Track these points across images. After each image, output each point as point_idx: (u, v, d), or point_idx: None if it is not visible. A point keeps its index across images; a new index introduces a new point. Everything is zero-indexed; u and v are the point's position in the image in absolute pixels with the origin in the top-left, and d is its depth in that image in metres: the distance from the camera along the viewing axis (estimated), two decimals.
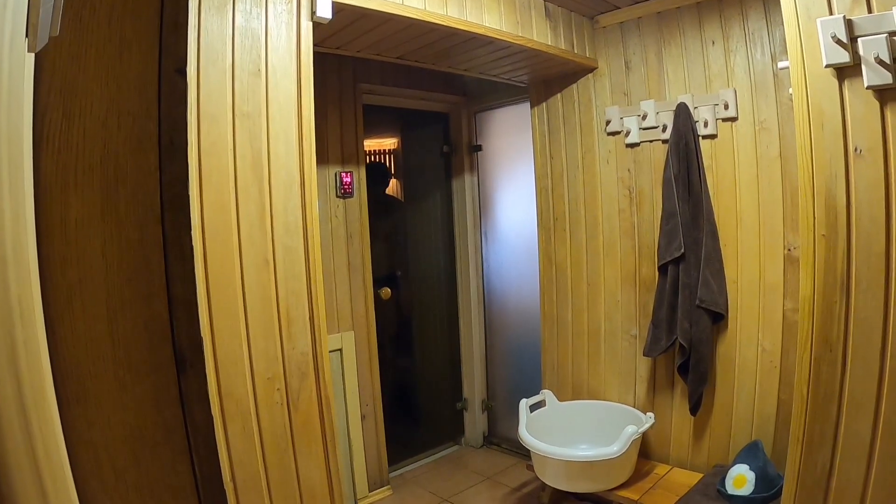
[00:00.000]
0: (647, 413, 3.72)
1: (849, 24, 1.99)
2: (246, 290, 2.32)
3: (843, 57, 2.00)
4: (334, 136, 4.19)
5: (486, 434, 5.47)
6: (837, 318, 2.14)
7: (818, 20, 2.06)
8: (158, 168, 1.11)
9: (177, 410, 1.15)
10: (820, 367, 2.20)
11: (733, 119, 3.44)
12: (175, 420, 1.15)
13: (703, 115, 3.52)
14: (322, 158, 4.06)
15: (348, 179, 4.21)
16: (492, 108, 5.19)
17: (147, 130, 1.10)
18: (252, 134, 2.34)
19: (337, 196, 4.21)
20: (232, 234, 2.28)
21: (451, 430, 5.51)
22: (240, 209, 2.30)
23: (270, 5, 2.41)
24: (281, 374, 2.43)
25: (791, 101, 3.11)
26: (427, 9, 2.96)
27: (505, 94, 4.89)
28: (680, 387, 3.73)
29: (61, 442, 0.99)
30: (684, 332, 3.45)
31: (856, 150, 2.04)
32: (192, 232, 2.12)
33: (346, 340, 4.27)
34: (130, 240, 1.09)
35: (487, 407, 5.45)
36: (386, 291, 4.67)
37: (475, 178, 5.31)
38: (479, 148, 5.28)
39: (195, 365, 1.15)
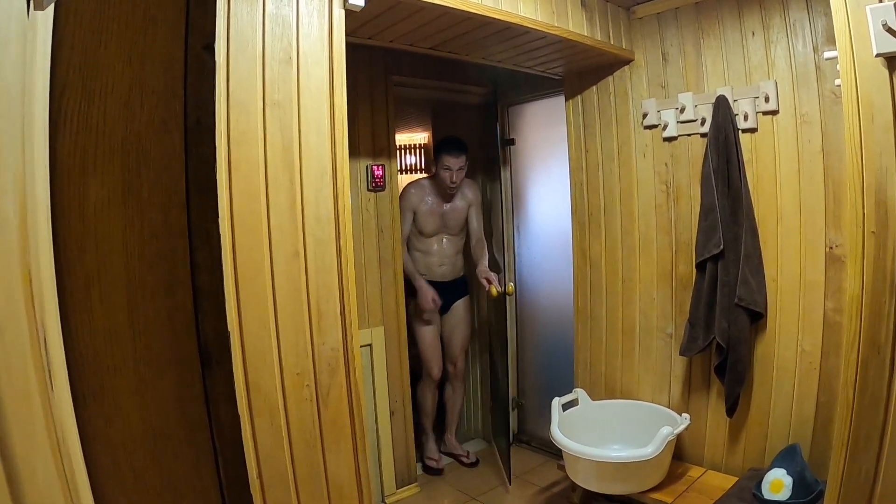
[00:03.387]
0: (683, 414, 3.64)
1: None
2: (276, 282, 2.27)
3: (894, 46, 1.92)
4: (365, 129, 4.15)
5: (516, 432, 5.42)
6: (886, 319, 2.05)
7: (867, 7, 1.97)
8: (184, 150, 1.05)
9: (201, 409, 1.10)
10: (867, 370, 2.11)
11: (774, 112, 3.35)
12: (199, 419, 1.09)
13: (742, 108, 3.43)
14: (353, 151, 3.99)
15: (379, 173, 4.17)
16: (524, 102, 5.13)
17: (172, 110, 1.04)
18: (283, 123, 2.29)
19: (368, 189, 4.17)
20: (261, 225, 2.23)
21: (481, 428, 5.48)
22: (269, 199, 2.25)
23: None
24: (310, 370, 2.38)
25: (835, 93, 3.05)
26: None
27: (538, 88, 4.83)
28: (716, 387, 3.65)
29: (76, 440, 0.94)
30: (722, 331, 3.36)
31: None
32: (220, 222, 2.09)
33: (377, 336, 4.23)
34: (153, 225, 1.04)
35: (518, 405, 5.39)
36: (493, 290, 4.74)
37: (508, 173, 5.24)
38: (511, 142, 5.22)
39: (221, 361, 1.10)
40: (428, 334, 4.88)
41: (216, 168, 1.07)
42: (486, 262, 4.87)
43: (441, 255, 4.89)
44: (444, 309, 4.91)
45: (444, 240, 4.90)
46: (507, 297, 5.17)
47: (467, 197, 4.96)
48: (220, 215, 2.09)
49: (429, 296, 4.68)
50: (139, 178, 1.02)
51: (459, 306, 5.02)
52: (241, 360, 2.16)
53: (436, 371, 4.91)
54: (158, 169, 1.03)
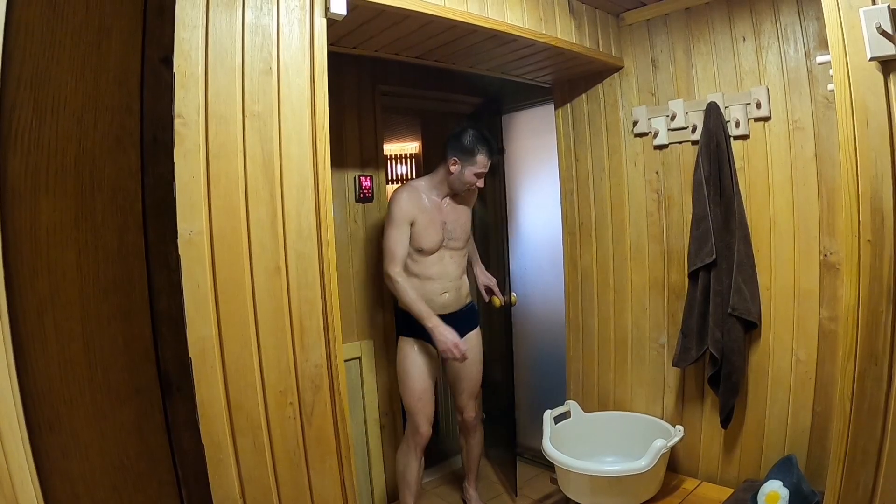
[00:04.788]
0: (676, 426, 3.60)
1: (894, 13, 1.88)
2: (257, 299, 2.23)
3: (889, 49, 1.89)
4: (353, 139, 4.10)
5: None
6: (884, 330, 2.02)
7: (861, 10, 1.95)
8: (140, 169, 1.00)
9: (163, 438, 1.05)
10: (864, 382, 2.08)
11: (766, 118, 3.32)
12: (161, 449, 1.05)
13: (734, 115, 3.40)
14: (340, 162, 3.99)
15: (367, 183, 4.12)
16: (515, 110, 5.08)
17: (127, 127, 0.99)
18: (263, 135, 2.25)
19: (356, 200, 4.12)
20: (242, 240, 2.19)
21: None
22: (250, 214, 2.21)
23: (282, 1, 2.32)
24: (294, 387, 2.34)
25: (828, 98, 3.02)
26: (447, 5, 2.86)
27: (528, 96, 4.78)
28: (710, 398, 3.62)
29: (33, 473, 0.90)
30: (715, 341, 3.32)
31: None
32: (200, 236, 2.06)
33: (366, 349, 4.18)
34: (108, 249, 0.99)
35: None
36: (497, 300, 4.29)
37: (498, 181, 5.19)
38: (502, 150, 5.16)
39: (182, 388, 1.05)
40: (417, 375, 3.81)
41: (174, 188, 1.01)
42: (482, 266, 4.32)
43: (444, 279, 3.81)
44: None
45: (447, 257, 3.83)
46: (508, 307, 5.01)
47: (468, 197, 4.05)
48: (199, 230, 2.07)
49: (449, 340, 3.57)
50: (93, 198, 0.97)
51: (468, 342, 3.89)
52: (221, 379, 2.12)
53: (425, 427, 3.80)
54: (113, 189, 0.99)
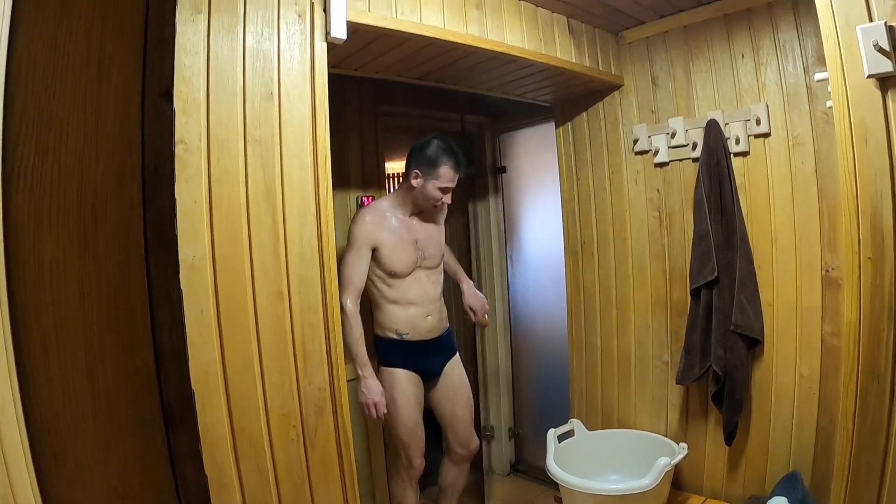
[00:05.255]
0: (680, 443, 3.59)
1: (891, 30, 1.88)
2: (259, 323, 2.23)
3: (887, 66, 1.89)
4: (355, 159, 4.11)
5: (513, 462, 5.36)
6: (885, 347, 2.03)
7: (858, 28, 1.95)
8: (142, 202, 1.01)
9: (166, 469, 1.05)
10: (867, 399, 2.08)
11: (766, 135, 3.33)
12: (164, 480, 1.05)
13: (734, 132, 3.41)
14: (343, 182, 3.99)
15: (370, 203, 4.11)
16: (516, 129, 5.11)
17: (129, 160, 1.00)
18: (265, 160, 2.26)
19: None
20: (244, 265, 2.20)
21: (477, 458, 5.35)
22: (252, 239, 2.22)
23: (283, 26, 2.34)
24: (297, 410, 2.34)
25: (827, 114, 3.03)
26: (447, 27, 2.88)
27: (529, 114, 4.80)
28: (714, 415, 3.60)
29: (38, 503, 0.91)
30: (718, 359, 3.32)
31: None
32: (202, 262, 2.06)
33: None
34: (111, 283, 1.00)
35: (514, 434, 5.33)
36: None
37: (500, 200, 5.21)
38: (503, 169, 5.18)
39: (185, 420, 1.06)
40: (407, 407, 3.56)
41: (175, 221, 1.02)
42: (470, 282, 4.04)
43: (425, 302, 3.62)
44: (429, 376, 3.69)
45: (424, 278, 3.63)
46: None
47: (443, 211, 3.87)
48: (202, 255, 2.08)
49: (375, 396, 3.36)
50: (95, 233, 0.98)
51: (454, 368, 3.79)
52: (225, 403, 2.12)
53: (419, 461, 3.60)
54: (115, 223, 1.00)
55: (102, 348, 1.00)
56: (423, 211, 3.68)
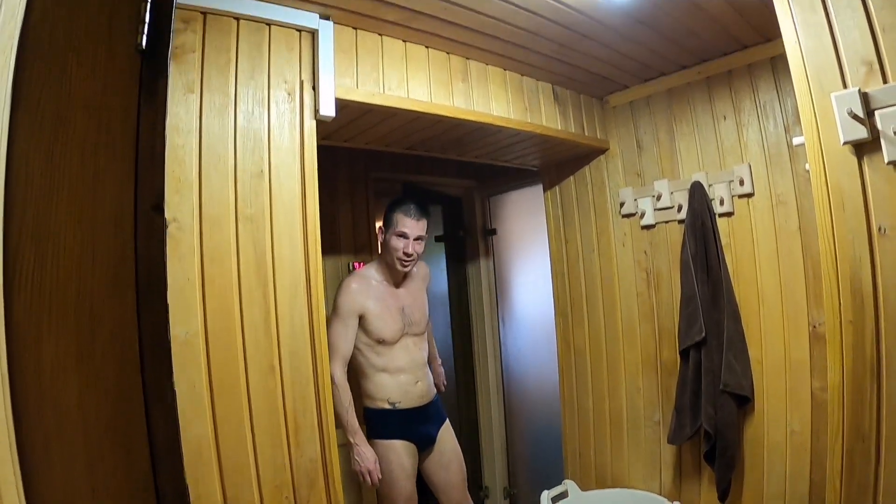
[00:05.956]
0: (675, 502, 3.59)
1: (864, 97, 1.91)
2: (251, 398, 2.26)
3: (861, 133, 1.92)
4: (346, 227, 4.16)
5: None
6: (869, 407, 2.04)
7: (832, 95, 1.99)
8: (136, 311, 1.05)
9: None
10: (853, 459, 2.09)
11: (749, 195, 3.38)
12: None
13: (718, 193, 3.46)
14: (334, 248, 4.03)
15: (359, 269, 4.15)
16: (505, 192, 5.17)
17: (124, 271, 1.04)
18: (255, 237, 2.31)
19: None
20: (236, 340, 2.24)
21: None
22: (244, 314, 2.26)
23: (273, 105, 2.40)
24: (289, 482, 2.35)
25: (808, 173, 3.07)
26: (433, 100, 2.95)
27: (518, 177, 4.86)
28: (707, 472, 3.59)
29: None
30: (709, 418, 3.33)
31: (880, 229, 1.94)
32: (195, 338, 2.10)
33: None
34: (108, 387, 1.03)
35: (509, 494, 5.29)
36: None
37: (491, 262, 5.26)
38: (493, 231, 5.24)
39: None
40: (403, 479, 3.44)
41: (168, 332, 1.06)
42: (437, 360, 4.09)
43: (414, 368, 3.57)
44: (425, 444, 3.59)
45: (411, 344, 3.59)
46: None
47: (422, 276, 3.87)
48: (195, 331, 2.11)
49: (369, 463, 3.27)
50: (93, 339, 1.02)
51: (447, 434, 3.73)
52: (218, 476, 2.15)
53: None
54: (112, 330, 1.03)
55: (101, 449, 1.02)
56: (407, 277, 3.68)
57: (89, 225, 1.02)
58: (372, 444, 3.37)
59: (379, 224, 3.62)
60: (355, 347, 3.41)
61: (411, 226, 3.43)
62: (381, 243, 3.57)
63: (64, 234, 1.00)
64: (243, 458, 2.22)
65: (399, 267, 3.48)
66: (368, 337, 3.42)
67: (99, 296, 1.02)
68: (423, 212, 3.52)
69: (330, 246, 4.01)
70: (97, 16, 1.07)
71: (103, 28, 1.07)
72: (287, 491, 2.34)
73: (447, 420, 3.77)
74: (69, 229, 1.00)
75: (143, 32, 1.06)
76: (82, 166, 1.02)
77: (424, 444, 3.57)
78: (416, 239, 3.45)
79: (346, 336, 3.35)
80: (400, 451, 3.44)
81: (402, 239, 3.42)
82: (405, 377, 3.51)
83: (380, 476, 3.29)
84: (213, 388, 2.15)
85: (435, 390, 3.76)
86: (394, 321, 3.49)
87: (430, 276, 3.91)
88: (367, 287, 3.48)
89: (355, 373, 3.50)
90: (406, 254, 3.43)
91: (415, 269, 3.68)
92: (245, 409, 2.24)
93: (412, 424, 3.49)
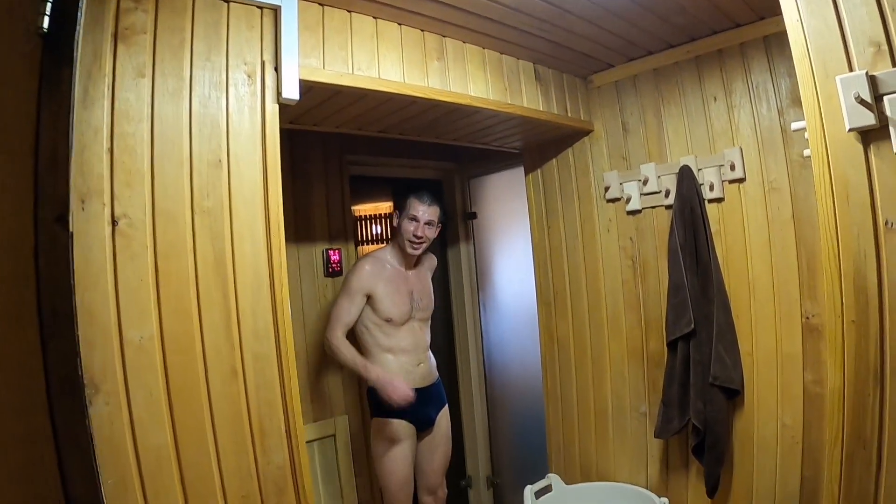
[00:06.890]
0: (662, 497, 3.48)
1: (872, 80, 1.78)
2: (213, 404, 2.12)
3: (868, 119, 1.79)
4: (320, 213, 4.02)
5: None
6: (871, 412, 1.93)
7: (838, 78, 1.86)
8: (41, 344, 0.89)
9: None
10: (853, 466, 1.98)
11: (741, 180, 3.27)
12: None
13: (708, 178, 3.34)
14: (308, 236, 3.90)
15: (336, 257, 4.03)
16: (486, 174, 5.04)
17: (24, 299, 0.87)
18: (214, 232, 2.15)
19: (325, 275, 4.02)
20: (195, 344, 2.09)
21: None
22: (203, 316, 2.11)
23: (231, 88, 2.24)
24: (256, 491, 2.22)
25: (804, 157, 2.94)
26: (406, 81, 2.81)
27: (499, 159, 4.72)
28: (695, 466, 3.51)
29: None
30: (697, 412, 3.23)
31: (887, 223, 1.82)
32: (151, 341, 1.95)
33: (340, 425, 4.05)
34: (14, 434, 0.87)
35: (492, 484, 5.21)
36: None
37: (471, 247, 5.14)
38: (473, 215, 5.12)
39: None
40: (399, 462, 3.58)
41: (80, 364, 0.90)
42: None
43: (417, 350, 3.72)
44: (425, 425, 3.73)
45: (417, 328, 3.76)
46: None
47: (428, 266, 4.06)
48: (150, 335, 1.96)
49: (400, 388, 3.38)
50: None
51: (444, 419, 3.88)
52: (180, 487, 2.02)
53: None
54: (13, 367, 0.87)
55: (13, 500, 0.87)
56: (418, 262, 3.90)
57: None
58: (374, 423, 3.62)
59: (395, 212, 3.80)
60: (364, 326, 3.61)
61: (422, 210, 3.65)
62: (394, 227, 3.77)
63: None
64: (206, 468, 2.09)
65: (409, 249, 3.69)
66: (377, 315, 3.60)
67: None
68: (436, 199, 3.75)
69: (304, 233, 3.92)
70: None
71: None
72: (254, 500, 2.21)
73: (447, 405, 3.94)
74: None
75: (44, 12, 0.87)
76: None
77: (423, 425, 3.72)
78: (426, 223, 3.66)
79: (350, 310, 3.54)
80: (400, 432, 3.58)
81: (413, 222, 3.64)
82: (407, 358, 3.67)
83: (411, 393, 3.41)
84: (172, 394, 2.01)
85: (437, 374, 3.89)
86: (403, 303, 3.68)
87: (435, 268, 4.12)
88: (380, 269, 3.69)
89: (361, 353, 3.57)
90: (416, 236, 3.64)
91: (424, 258, 3.94)
92: (207, 416, 2.10)
93: (413, 405, 3.48)
